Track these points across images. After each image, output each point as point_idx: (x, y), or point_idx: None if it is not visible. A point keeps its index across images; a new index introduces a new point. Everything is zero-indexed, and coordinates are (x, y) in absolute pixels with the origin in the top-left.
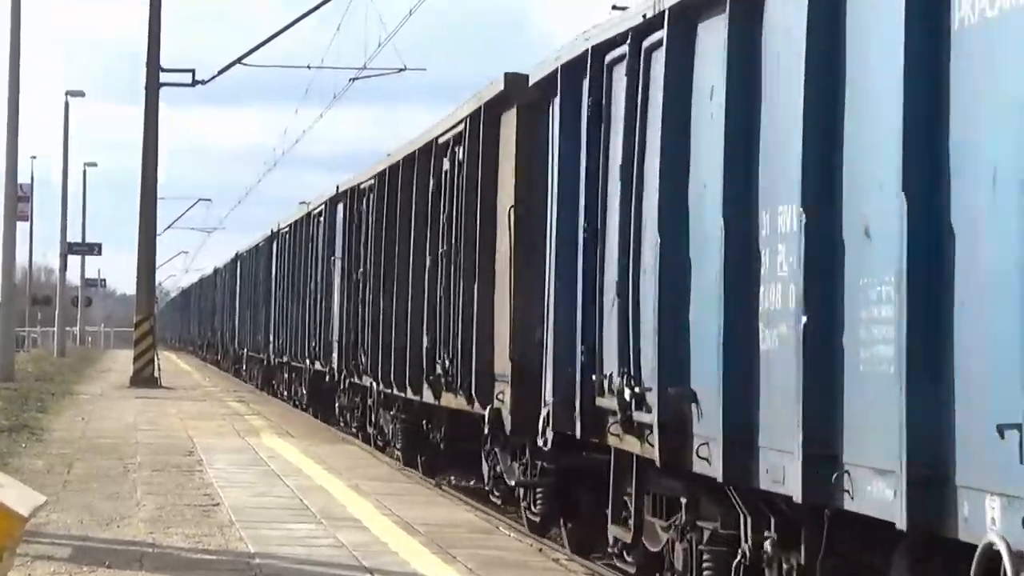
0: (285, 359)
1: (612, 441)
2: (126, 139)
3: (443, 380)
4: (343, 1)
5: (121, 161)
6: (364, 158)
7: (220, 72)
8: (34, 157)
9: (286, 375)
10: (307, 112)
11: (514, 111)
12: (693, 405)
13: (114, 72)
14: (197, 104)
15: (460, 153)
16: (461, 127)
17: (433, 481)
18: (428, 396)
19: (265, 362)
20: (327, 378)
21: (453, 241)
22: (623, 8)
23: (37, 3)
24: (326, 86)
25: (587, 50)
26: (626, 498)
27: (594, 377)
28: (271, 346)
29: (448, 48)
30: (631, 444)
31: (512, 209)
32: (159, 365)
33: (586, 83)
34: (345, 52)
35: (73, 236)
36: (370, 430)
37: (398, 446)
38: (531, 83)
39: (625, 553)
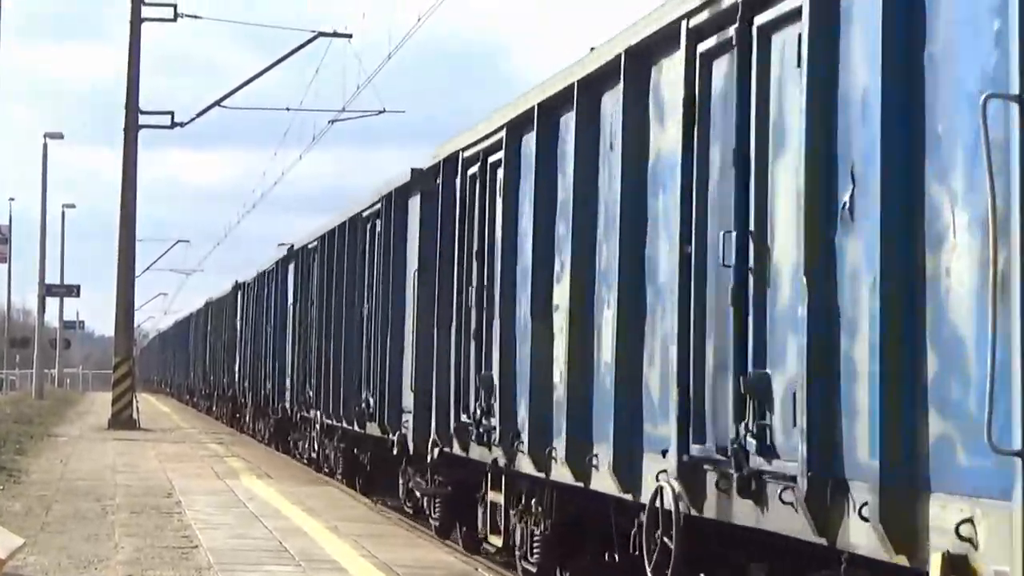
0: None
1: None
2: (103, 182)
3: None
4: (322, 43)
5: (98, 204)
6: (343, 199)
7: (199, 114)
8: (12, 199)
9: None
10: (286, 154)
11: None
12: None
13: (91, 116)
14: (175, 147)
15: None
16: (379, 206)
17: None
18: None
19: (396, 446)
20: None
21: None
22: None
23: (13, 47)
24: (305, 128)
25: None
26: None
27: None
28: (396, 422)
29: (427, 89)
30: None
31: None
32: (137, 407)
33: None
34: (324, 94)
35: (52, 278)
36: None
37: None
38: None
39: None
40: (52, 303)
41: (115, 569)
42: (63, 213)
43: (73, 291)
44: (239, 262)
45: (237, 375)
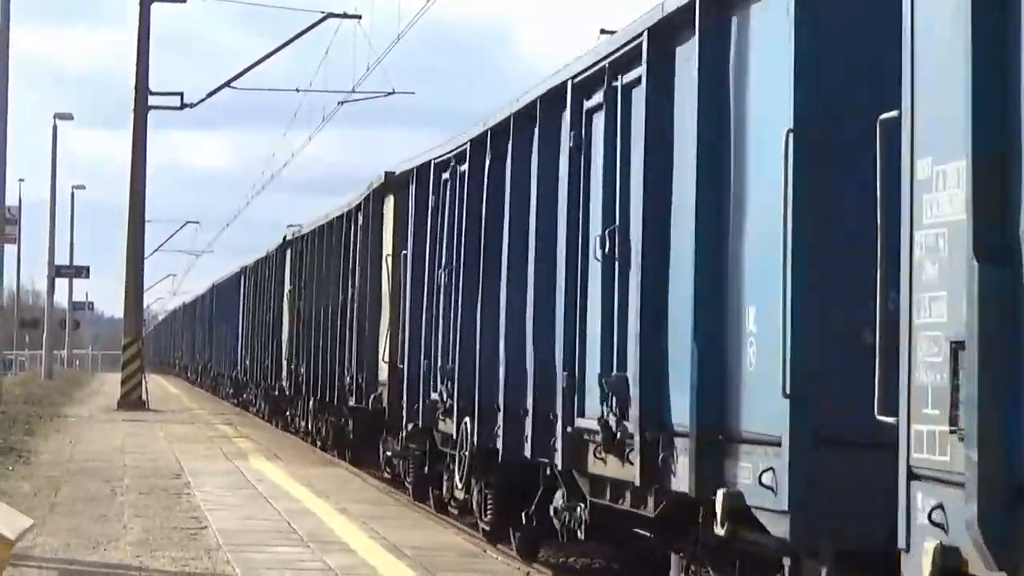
0: None
1: None
2: (108, 166)
3: None
4: (332, 24)
5: (104, 188)
6: (351, 181)
7: (209, 95)
8: (22, 180)
9: None
10: (295, 135)
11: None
12: None
13: (95, 100)
14: (184, 128)
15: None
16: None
17: None
18: None
19: None
20: None
21: None
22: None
23: (21, 29)
24: (314, 109)
25: None
26: None
27: None
28: None
29: (436, 72)
30: None
31: None
32: (147, 387)
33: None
34: (333, 75)
35: (61, 259)
36: None
37: None
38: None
39: None
40: (61, 284)
41: (124, 550)
42: (72, 194)
43: (82, 272)
44: (248, 244)
45: (350, 359)
